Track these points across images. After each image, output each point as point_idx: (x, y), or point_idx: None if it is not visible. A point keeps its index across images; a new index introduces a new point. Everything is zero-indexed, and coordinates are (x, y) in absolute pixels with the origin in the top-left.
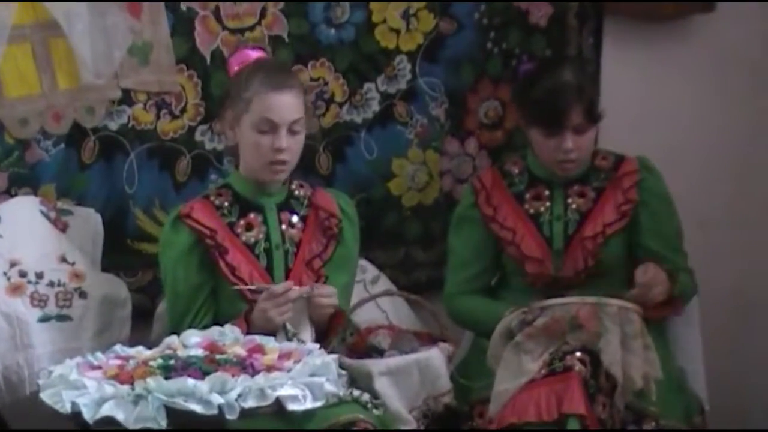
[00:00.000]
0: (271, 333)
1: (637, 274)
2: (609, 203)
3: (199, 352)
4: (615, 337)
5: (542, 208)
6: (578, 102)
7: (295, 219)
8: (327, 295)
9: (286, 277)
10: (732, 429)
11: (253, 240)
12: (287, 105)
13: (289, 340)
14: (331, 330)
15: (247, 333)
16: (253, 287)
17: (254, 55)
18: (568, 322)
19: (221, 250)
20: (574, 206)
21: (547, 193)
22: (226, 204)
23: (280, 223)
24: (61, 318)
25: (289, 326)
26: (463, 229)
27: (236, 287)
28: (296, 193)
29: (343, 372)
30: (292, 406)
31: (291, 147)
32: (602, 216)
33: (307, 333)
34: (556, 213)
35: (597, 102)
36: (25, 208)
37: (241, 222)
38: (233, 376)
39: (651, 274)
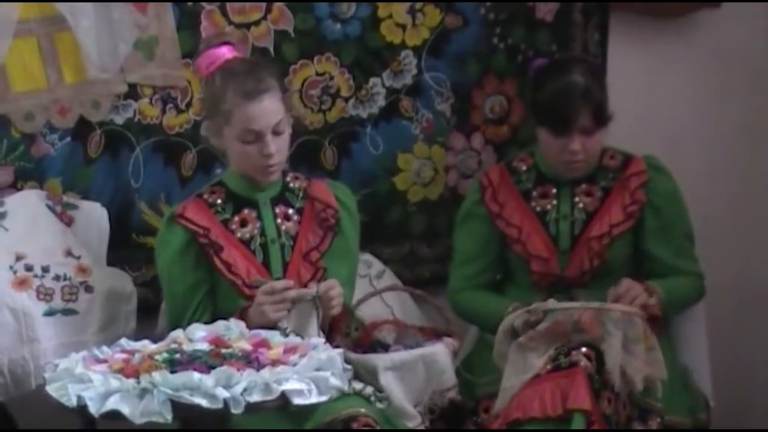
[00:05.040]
0: (267, 329)
1: (609, 292)
2: (616, 203)
3: (205, 346)
4: (617, 342)
5: (549, 207)
6: (587, 104)
7: (290, 212)
8: (331, 289)
9: (284, 271)
10: (737, 424)
11: (248, 236)
12: (267, 111)
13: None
14: (336, 327)
15: None
16: (255, 280)
17: (222, 53)
18: (570, 326)
19: (216, 248)
20: (581, 205)
21: (554, 191)
22: (219, 201)
23: (275, 217)
24: (67, 312)
25: (284, 324)
26: (469, 225)
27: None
28: (291, 185)
29: (349, 366)
30: (297, 401)
31: (279, 147)
32: (609, 216)
33: (314, 334)
34: (563, 212)
35: (606, 104)
36: (31, 202)
37: (236, 218)
38: (238, 370)
39: (624, 287)
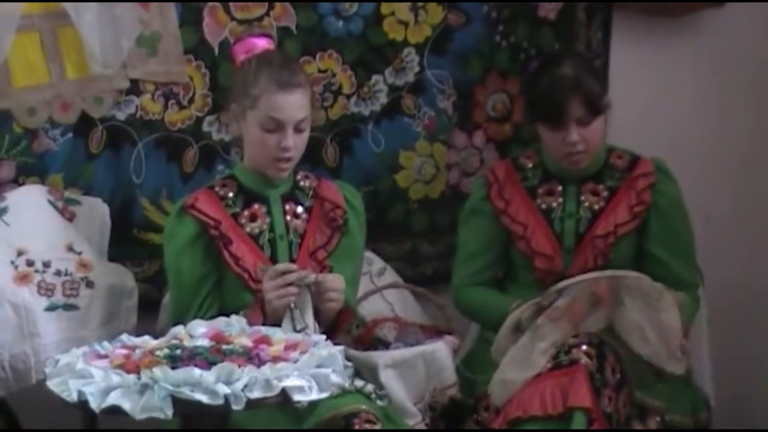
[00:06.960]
0: (279, 323)
1: None
2: (622, 203)
3: (205, 342)
4: (630, 310)
5: (554, 204)
6: (577, 94)
7: (299, 210)
8: (332, 280)
9: None
10: (738, 424)
11: (257, 231)
12: (295, 104)
13: (293, 321)
14: (338, 327)
15: (263, 323)
16: (262, 268)
17: (260, 44)
18: (588, 300)
19: (225, 241)
20: (586, 204)
21: (560, 189)
22: (230, 195)
23: (285, 214)
24: (68, 307)
25: (294, 308)
26: (473, 221)
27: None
28: (301, 184)
29: (349, 363)
30: (298, 397)
31: (297, 144)
32: (614, 216)
33: (310, 321)
34: (569, 210)
35: (600, 94)
36: (33, 197)
37: (245, 213)
38: (239, 366)
39: None
